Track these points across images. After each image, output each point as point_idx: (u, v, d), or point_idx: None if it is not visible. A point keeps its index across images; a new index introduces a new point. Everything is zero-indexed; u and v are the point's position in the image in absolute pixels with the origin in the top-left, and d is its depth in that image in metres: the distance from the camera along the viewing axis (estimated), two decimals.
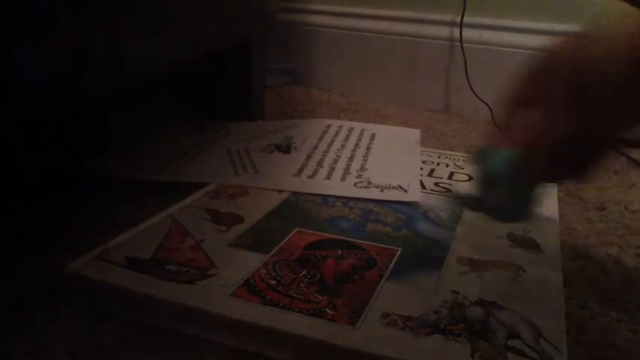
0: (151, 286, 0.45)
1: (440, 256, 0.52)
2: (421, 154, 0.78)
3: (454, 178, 0.71)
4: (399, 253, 0.52)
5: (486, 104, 0.99)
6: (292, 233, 0.55)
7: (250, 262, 0.49)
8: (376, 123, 0.96)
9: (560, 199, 0.68)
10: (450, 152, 0.81)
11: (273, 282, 0.47)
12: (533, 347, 0.40)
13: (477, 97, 1.00)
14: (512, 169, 0.44)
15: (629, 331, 0.46)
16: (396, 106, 1.10)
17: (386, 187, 0.66)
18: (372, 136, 0.83)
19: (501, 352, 0.40)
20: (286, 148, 0.77)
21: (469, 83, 1.01)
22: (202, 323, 0.43)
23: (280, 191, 0.65)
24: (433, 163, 0.76)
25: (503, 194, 0.46)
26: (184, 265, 0.49)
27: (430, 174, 0.72)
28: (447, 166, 0.75)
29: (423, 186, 0.68)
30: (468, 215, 0.60)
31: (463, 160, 0.77)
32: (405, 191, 0.65)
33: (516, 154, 0.42)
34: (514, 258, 0.52)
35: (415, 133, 0.85)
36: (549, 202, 0.65)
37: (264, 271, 0.48)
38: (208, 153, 0.76)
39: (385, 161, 0.74)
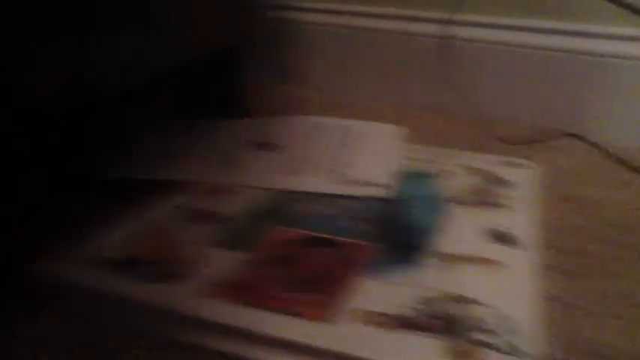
0: (125, 286, 0.45)
1: (418, 251, 0.52)
2: (408, 150, 0.78)
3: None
4: (376, 249, 0.52)
5: (475, 102, 0.98)
6: (271, 231, 0.55)
7: (228, 261, 0.49)
8: (366, 121, 0.96)
9: (539, 193, 0.68)
10: (438, 149, 0.80)
11: (249, 281, 0.47)
12: (509, 343, 0.40)
13: (464, 95, 1.00)
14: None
15: (606, 325, 0.46)
16: (388, 104, 1.10)
17: (366, 184, 0.66)
18: (357, 134, 0.82)
19: (478, 348, 0.40)
20: (271, 146, 0.77)
21: (457, 82, 1.01)
22: (180, 324, 0.43)
23: (264, 189, 0.65)
24: (419, 159, 0.76)
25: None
26: (161, 265, 0.48)
27: None
28: (433, 162, 0.75)
29: None
30: (448, 210, 0.60)
31: (451, 157, 0.77)
32: (384, 188, 0.65)
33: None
34: (493, 254, 0.52)
35: (398, 130, 0.84)
36: (529, 196, 0.65)
37: (242, 270, 0.48)
38: (195, 151, 0.76)
39: (367, 158, 0.74)
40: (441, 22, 1.01)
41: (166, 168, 0.70)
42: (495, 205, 0.62)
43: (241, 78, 0.91)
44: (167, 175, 0.67)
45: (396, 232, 0.54)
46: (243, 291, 0.45)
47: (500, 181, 0.69)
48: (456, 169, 0.71)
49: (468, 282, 0.47)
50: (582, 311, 0.48)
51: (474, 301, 0.44)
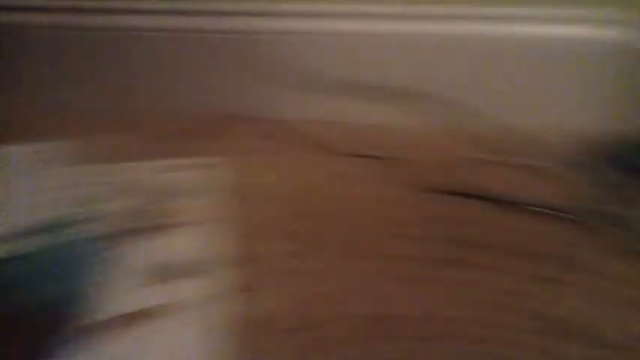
0: None
1: (59, 333, 0.37)
2: (58, 177, 0.59)
3: None
4: None
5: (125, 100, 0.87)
6: None
7: None
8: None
9: (222, 194, 0.60)
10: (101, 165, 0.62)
11: None
12: None
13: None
14: None
15: None
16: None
17: None
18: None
19: None
20: None
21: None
22: None
23: None
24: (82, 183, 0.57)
25: None
26: None
27: None
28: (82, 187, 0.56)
29: None
30: (101, 256, 0.44)
31: (119, 172, 0.60)
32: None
33: None
34: (161, 299, 0.40)
35: (55, 149, 0.65)
36: (210, 200, 0.55)
37: None
38: None
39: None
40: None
41: None
42: (163, 227, 0.49)
43: None
44: None
45: (33, 308, 0.38)
46: None
47: (169, 193, 0.55)
48: (112, 191, 0.56)
49: (147, 348, 0.36)
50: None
51: None
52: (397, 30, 0.84)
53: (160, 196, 0.55)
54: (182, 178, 0.58)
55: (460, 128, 0.79)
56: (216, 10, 0.82)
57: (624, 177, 0.61)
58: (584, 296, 0.47)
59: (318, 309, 0.45)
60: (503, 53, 0.84)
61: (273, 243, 0.53)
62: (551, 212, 0.60)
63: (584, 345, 0.41)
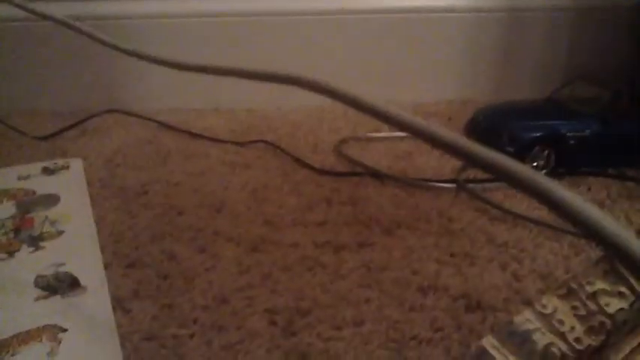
0: None
1: None
2: None
3: None
4: None
5: None
6: None
7: None
8: None
9: (92, 195, 0.58)
10: None
11: None
12: None
13: None
14: None
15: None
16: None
17: None
18: None
19: None
20: None
21: None
22: None
23: None
24: None
25: None
26: None
27: None
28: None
29: None
30: None
31: None
32: None
33: None
34: (47, 317, 0.37)
35: None
36: (80, 205, 0.53)
37: None
38: None
39: None
40: None
41: None
42: (39, 238, 0.47)
43: None
44: None
45: None
46: None
47: (37, 201, 0.52)
48: None
49: None
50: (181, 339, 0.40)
51: None
52: (264, 10, 0.83)
53: (32, 205, 0.51)
54: (40, 184, 0.55)
55: (335, 107, 0.80)
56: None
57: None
58: (485, 268, 0.49)
59: (232, 304, 0.44)
60: (374, 30, 0.87)
61: (155, 245, 0.50)
62: (435, 184, 0.62)
63: (492, 316, 0.43)
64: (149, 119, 0.79)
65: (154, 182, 0.62)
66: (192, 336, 0.40)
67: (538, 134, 0.66)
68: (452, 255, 0.50)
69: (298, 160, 0.68)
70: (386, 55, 0.87)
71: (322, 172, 0.65)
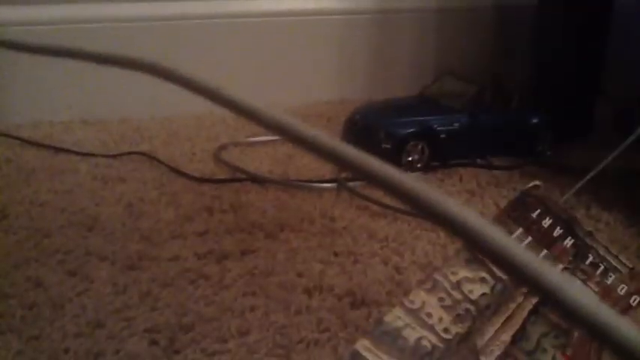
0: None
1: None
2: None
3: None
4: None
5: None
6: None
7: None
8: None
9: None
10: None
11: None
12: None
13: None
14: None
15: None
16: None
17: None
18: None
19: None
20: None
21: None
22: None
23: None
24: None
25: None
26: None
27: None
28: None
29: None
30: None
31: None
32: None
33: None
34: None
35: None
36: None
37: None
38: None
39: None
40: None
41: None
42: None
43: None
44: None
45: None
46: None
47: None
48: None
49: None
50: None
51: None
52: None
53: None
54: None
55: (213, 113, 0.78)
56: None
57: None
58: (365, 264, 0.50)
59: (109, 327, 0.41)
60: (249, 33, 0.86)
61: (19, 272, 0.46)
62: (316, 185, 0.62)
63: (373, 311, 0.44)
64: (8, 135, 0.72)
65: (16, 204, 0.56)
66: None
67: (411, 130, 0.68)
68: (336, 254, 0.50)
69: (176, 170, 0.65)
70: (262, 57, 0.87)
71: (201, 180, 0.63)
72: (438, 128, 0.69)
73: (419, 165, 0.68)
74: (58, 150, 0.69)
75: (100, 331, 0.40)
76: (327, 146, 0.18)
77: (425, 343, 0.23)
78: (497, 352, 0.26)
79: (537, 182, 0.32)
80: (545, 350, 0.27)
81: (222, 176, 0.64)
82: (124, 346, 0.39)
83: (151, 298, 0.44)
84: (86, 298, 0.43)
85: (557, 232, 0.30)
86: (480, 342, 0.23)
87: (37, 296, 0.43)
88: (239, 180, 0.63)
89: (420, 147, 0.68)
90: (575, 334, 0.28)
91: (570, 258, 0.30)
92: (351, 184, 0.62)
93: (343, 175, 0.63)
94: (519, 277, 0.13)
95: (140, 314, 0.42)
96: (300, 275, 0.47)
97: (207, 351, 0.39)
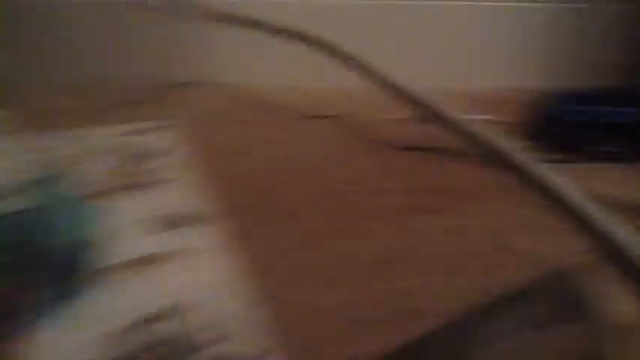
0: None
1: (82, 275, 0.40)
2: (15, 143, 0.59)
3: None
4: (25, 288, 0.38)
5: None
6: None
7: None
8: None
9: (188, 154, 0.62)
10: (54, 133, 0.63)
11: None
12: (245, 342, 0.35)
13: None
14: None
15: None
16: None
17: None
18: None
19: None
20: None
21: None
22: None
23: None
24: (36, 151, 0.57)
25: None
26: None
27: None
28: (53, 151, 0.58)
29: None
30: (99, 209, 0.47)
31: (77, 139, 0.62)
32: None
33: None
34: (174, 243, 0.44)
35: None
36: (180, 160, 0.58)
37: None
38: None
39: None
40: None
41: None
42: (152, 183, 0.54)
43: None
44: None
45: (43, 257, 0.40)
46: None
47: (143, 154, 0.59)
48: (90, 151, 0.59)
49: (166, 288, 0.39)
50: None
51: (184, 309, 0.37)
52: None
53: (133, 156, 0.58)
54: (146, 141, 0.61)
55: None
56: None
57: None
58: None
59: (316, 250, 0.48)
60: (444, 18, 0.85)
61: (243, 198, 0.54)
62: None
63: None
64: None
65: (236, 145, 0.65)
66: None
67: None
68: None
69: (373, 135, 0.69)
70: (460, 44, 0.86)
71: (403, 148, 0.66)
72: None
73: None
74: (267, 105, 0.77)
75: None
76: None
77: None
78: None
79: None
80: None
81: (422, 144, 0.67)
82: None
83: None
84: None
85: None
86: None
87: None
88: (438, 150, 0.65)
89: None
90: None
91: None
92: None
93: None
94: None
95: None
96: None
97: None
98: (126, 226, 0.46)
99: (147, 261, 0.42)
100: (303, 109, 0.77)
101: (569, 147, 0.66)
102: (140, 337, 0.34)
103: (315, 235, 0.49)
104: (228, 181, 0.55)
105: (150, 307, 0.37)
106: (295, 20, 0.77)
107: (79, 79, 0.80)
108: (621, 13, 0.86)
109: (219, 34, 0.83)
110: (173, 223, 0.47)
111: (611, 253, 0.35)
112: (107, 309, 0.37)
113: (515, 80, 0.88)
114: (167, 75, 0.84)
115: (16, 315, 0.36)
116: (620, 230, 0.35)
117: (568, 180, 0.42)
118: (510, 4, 0.86)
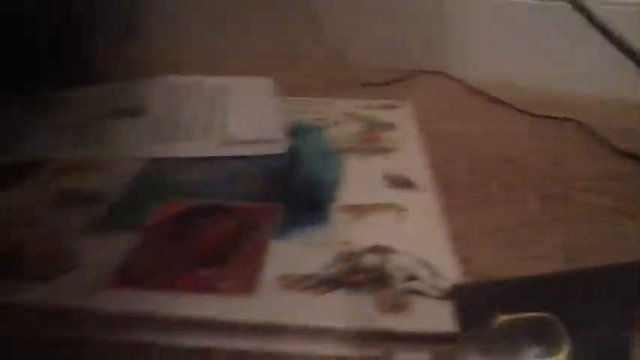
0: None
1: (323, 207, 0.49)
2: (283, 103, 0.73)
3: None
4: (276, 210, 0.48)
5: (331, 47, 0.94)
6: (157, 206, 0.49)
7: (118, 245, 0.43)
8: (232, 76, 0.87)
9: (417, 132, 0.69)
10: (311, 99, 0.77)
11: (146, 264, 0.41)
12: (432, 285, 0.40)
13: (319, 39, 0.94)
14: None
15: (514, 259, 0.47)
16: (259, 59, 0.94)
17: (251, 142, 0.61)
18: (226, 90, 0.76)
19: (404, 296, 0.39)
20: (135, 112, 0.69)
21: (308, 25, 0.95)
22: (82, 321, 0.37)
23: (136, 159, 0.57)
24: (297, 111, 0.72)
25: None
26: (39, 261, 0.41)
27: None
28: (307, 113, 0.72)
29: None
30: (342, 160, 0.58)
31: (325, 106, 0.75)
32: (271, 143, 0.61)
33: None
34: (395, 199, 0.51)
35: (269, 83, 0.80)
36: (410, 136, 0.66)
37: (134, 252, 0.42)
38: (46, 125, 0.65)
39: (245, 115, 0.68)
40: None
41: (21, 147, 0.60)
42: (383, 149, 0.61)
43: (85, 39, 0.80)
44: (23, 155, 0.58)
45: (297, 189, 0.50)
46: (141, 275, 0.40)
47: (381, 125, 0.68)
48: (336, 117, 0.70)
49: (379, 231, 0.46)
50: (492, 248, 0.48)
51: (390, 250, 0.43)
52: None
53: (372, 126, 0.68)
54: (381, 115, 0.71)
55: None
56: None
57: None
58: None
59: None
60: None
61: (460, 174, 0.59)
62: None
63: None
64: (453, 79, 0.87)
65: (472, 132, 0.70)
66: None
67: None
68: None
69: (601, 141, 0.68)
70: None
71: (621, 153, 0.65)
72: None
73: None
74: (493, 99, 0.80)
75: None
76: None
77: None
78: None
79: None
80: None
81: None
82: None
83: None
84: None
85: None
86: None
87: None
88: None
89: None
90: None
91: None
92: None
93: None
94: None
95: None
96: None
97: None
98: (361, 176, 0.55)
99: (369, 207, 0.50)
100: (535, 109, 0.77)
101: None
102: (349, 264, 0.42)
103: (529, 223, 0.52)
104: (451, 162, 0.62)
105: (362, 243, 0.44)
106: None
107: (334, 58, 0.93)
108: None
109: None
110: (397, 183, 0.55)
111: None
112: (335, 237, 0.45)
113: None
114: (411, 63, 0.92)
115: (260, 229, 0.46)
116: None
117: None
118: None
